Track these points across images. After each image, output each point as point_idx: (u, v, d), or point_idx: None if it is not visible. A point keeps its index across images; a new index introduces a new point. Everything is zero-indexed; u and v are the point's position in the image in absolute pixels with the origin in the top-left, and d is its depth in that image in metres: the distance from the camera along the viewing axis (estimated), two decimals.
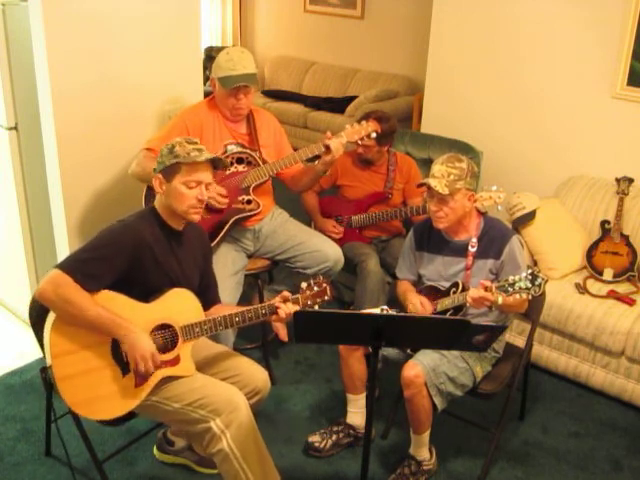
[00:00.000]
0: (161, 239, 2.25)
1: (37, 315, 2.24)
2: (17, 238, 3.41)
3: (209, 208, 2.87)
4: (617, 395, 3.16)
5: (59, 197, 3.14)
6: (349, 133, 2.91)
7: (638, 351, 3.01)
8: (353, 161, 3.52)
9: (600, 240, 3.43)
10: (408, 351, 2.60)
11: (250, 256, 3.13)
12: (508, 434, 2.92)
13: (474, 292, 2.37)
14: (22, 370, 3.21)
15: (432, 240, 2.67)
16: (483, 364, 2.59)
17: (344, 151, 3.49)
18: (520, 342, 3.11)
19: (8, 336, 3.52)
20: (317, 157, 2.93)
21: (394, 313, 2.23)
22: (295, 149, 3.04)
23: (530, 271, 2.30)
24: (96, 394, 2.15)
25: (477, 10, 4.10)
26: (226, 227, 2.93)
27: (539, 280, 2.28)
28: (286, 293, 2.31)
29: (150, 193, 2.90)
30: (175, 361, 2.22)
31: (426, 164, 3.74)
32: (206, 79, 4.82)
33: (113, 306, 2.12)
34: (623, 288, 3.28)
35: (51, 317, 2.12)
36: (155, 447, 2.72)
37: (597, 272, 3.37)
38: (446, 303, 2.52)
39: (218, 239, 2.92)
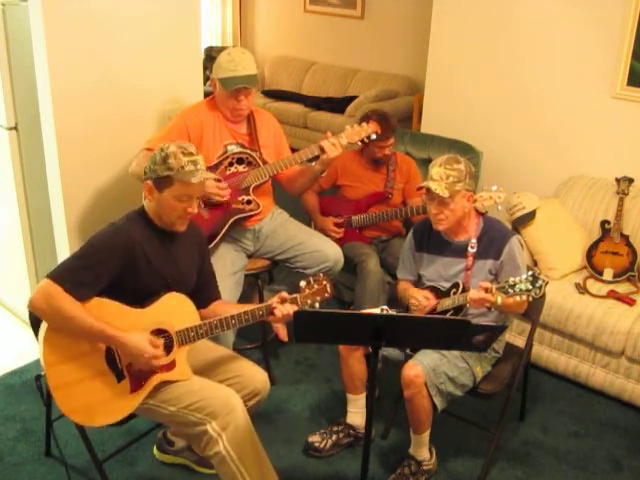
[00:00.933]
0: (153, 240, 2.23)
1: (37, 315, 2.23)
2: (17, 238, 3.41)
3: (210, 206, 2.87)
4: (617, 395, 3.16)
5: (59, 197, 3.13)
6: (349, 134, 2.91)
7: (638, 351, 3.01)
8: (356, 161, 3.52)
9: (600, 240, 3.43)
10: (408, 351, 2.60)
11: (250, 256, 3.13)
12: (508, 434, 2.92)
13: (474, 293, 2.37)
14: (22, 370, 3.21)
15: (432, 241, 2.67)
16: (483, 364, 2.59)
17: (345, 151, 3.50)
18: (520, 342, 3.11)
19: (8, 336, 3.52)
20: (317, 158, 2.93)
21: (394, 313, 2.24)
22: (294, 150, 3.04)
23: (531, 273, 2.30)
24: (92, 401, 2.15)
25: (477, 10, 4.10)
26: (226, 227, 2.93)
27: (540, 282, 2.27)
28: (284, 294, 2.29)
29: None
30: (171, 366, 2.22)
31: (426, 164, 3.73)
32: (206, 79, 4.82)
33: (107, 313, 2.11)
34: (623, 288, 3.28)
35: (44, 326, 2.12)
36: (155, 447, 2.73)
37: (597, 272, 3.37)
38: (446, 304, 2.52)
39: (218, 239, 2.92)
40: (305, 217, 3.54)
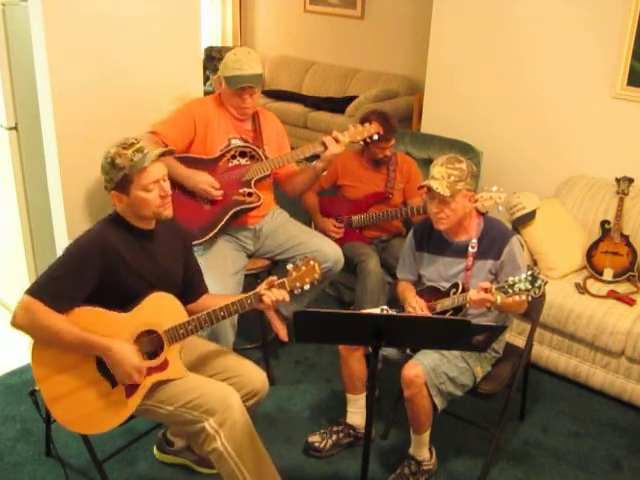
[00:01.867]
0: (130, 242, 2.20)
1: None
2: (17, 238, 3.41)
3: (208, 199, 2.89)
4: (617, 395, 3.16)
5: (59, 197, 3.13)
6: (352, 133, 2.94)
7: (638, 351, 3.01)
8: (356, 161, 3.51)
9: (600, 240, 3.43)
10: (407, 351, 2.60)
11: (250, 256, 3.13)
12: (508, 434, 2.92)
13: (473, 294, 2.37)
14: (22, 370, 3.21)
15: (432, 241, 2.67)
16: (483, 364, 2.59)
17: (346, 152, 3.50)
18: (520, 342, 3.11)
19: (8, 336, 3.52)
20: (317, 157, 2.94)
21: (394, 313, 2.24)
22: (293, 149, 3.05)
23: (530, 272, 2.30)
24: (88, 410, 2.15)
25: (477, 10, 4.10)
26: (226, 217, 2.92)
27: (539, 282, 2.27)
28: (271, 278, 2.26)
29: None
30: (163, 366, 2.21)
31: (426, 164, 3.73)
32: (206, 79, 4.83)
33: (91, 322, 2.10)
34: (623, 288, 3.28)
35: (31, 342, 2.11)
36: (155, 447, 2.73)
37: (597, 272, 3.37)
38: (446, 304, 2.52)
39: (217, 230, 2.92)
40: (305, 217, 3.54)
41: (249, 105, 2.95)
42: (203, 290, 2.47)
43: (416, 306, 2.54)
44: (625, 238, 3.40)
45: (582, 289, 3.26)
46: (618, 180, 3.52)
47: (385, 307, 2.59)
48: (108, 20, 3.06)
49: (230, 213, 2.93)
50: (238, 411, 2.19)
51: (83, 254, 2.11)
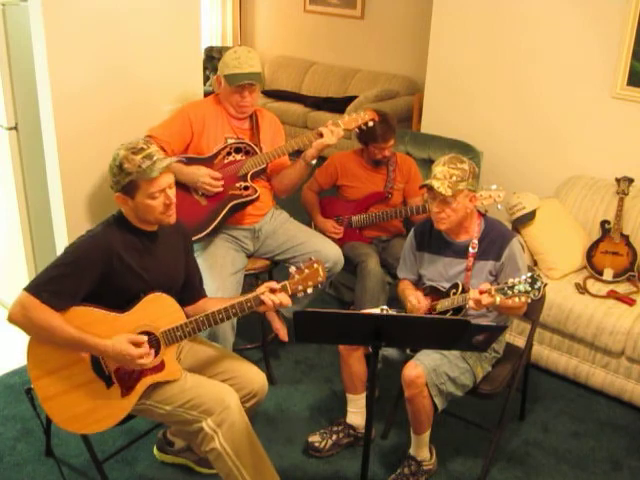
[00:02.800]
0: (132, 244, 2.20)
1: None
2: (17, 238, 3.41)
3: (206, 194, 2.88)
4: (617, 395, 3.16)
5: (59, 197, 3.13)
6: (347, 122, 2.94)
7: (638, 351, 3.01)
8: (356, 161, 3.51)
9: (600, 240, 3.43)
10: (407, 351, 2.60)
11: (250, 256, 3.13)
12: (508, 434, 2.92)
13: (474, 295, 2.37)
14: (22, 370, 3.20)
15: (433, 241, 2.67)
16: (483, 364, 2.59)
17: (346, 152, 3.50)
18: (520, 342, 3.11)
19: (8, 336, 3.52)
20: None
21: (394, 313, 2.24)
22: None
23: (530, 274, 2.30)
24: (83, 410, 2.15)
25: (477, 10, 4.10)
26: (223, 212, 2.91)
27: (538, 284, 2.27)
28: (272, 283, 2.24)
29: None
30: (160, 367, 2.20)
31: (426, 164, 3.74)
32: (206, 79, 4.83)
33: (88, 321, 2.09)
34: (623, 288, 3.28)
35: (27, 340, 2.11)
36: (155, 447, 2.73)
37: (597, 272, 3.37)
38: (446, 304, 2.52)
39: (214, 225, 2.91)
40: (305, 217, 3.54)
41: (248, 103, 2.95)
42: (202, 293, 2.48)
43: (414, 300, 2.54)
44: (625, 238, 3.40)
45: (582, 289, 3.26)
46: (618, 180, 3.52)
47: (385, 307, 2.59)
48: (108, 20, 3.06)
49: (227, 207, 2.92)
50: (236, 411, 2.19)
51: (84, 254, 2.11)
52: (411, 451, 2.64)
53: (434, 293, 2.61)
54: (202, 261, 2.83)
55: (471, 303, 2.37)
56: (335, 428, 2.82)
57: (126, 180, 2.11)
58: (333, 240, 3.25)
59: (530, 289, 2.27)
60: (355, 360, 2.68)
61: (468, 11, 4.14)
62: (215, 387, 2.24)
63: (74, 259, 2.10)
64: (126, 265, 2.16)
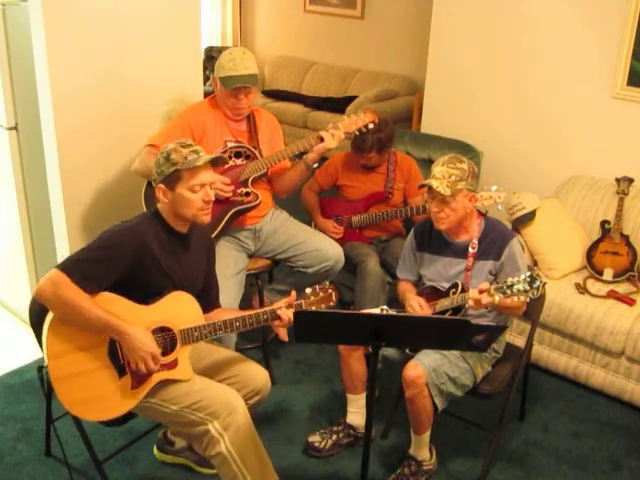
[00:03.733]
0: (164, 242, 2.24)
1: (37, 315, 2.23)
2: (17, 238, 3.41)
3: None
4: (617, 395, 3.16)
5: (59, 197, 3.14)
6: (346, 124, 2.92)
7: (638, 351, 3.01)
8: (356, 161, 3.51)
9: (600, 240, 3.43)
10: (407, 351, 2.60)
11: (251, 256, 3.13)
12: (508, 434, 2.92)
13: (473, 294, 2.37)
14: (22, 370, 3.21)
15: (433, 241, 2.67)
16: (483, 364, 2.59)
17: (346, 152, 3.49)
18: (520, 342, 3.11)
19: (8, 336, 3.52)
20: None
21: (394, 313, 2.24)
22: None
23: (529, 273, 2.30)
24: (92, 395, 2.15)
25: (477, 10, 4.10)
26: (225, 218, 2.92)
27: (537, 283, 2.27)
28: (290, 299, 2.29)
29: (150, 191, 2.90)
30: (173, 364, 2.21)
31: (426, 164, 3.73)
32: (206, 79, 4.83)
33: (112, 308, 2.11)
34: (623, 288, 3.28)
35: (49, 317, 2.12)
36: (155, 447, 2.73)
37: (597, 272, 3.37)
38: (445, 304, 2.52)
39: (217, 232, 2.92)
40: (305, 217, 3.54)
41: (244, 105, 2.93)
42: (217, 303, 2.50)
43: (415, 305, 2.54)
44: (625, 238, 3.40)
45: (582, 289, 3.26)
46: (618, 180, 3.52)
47: (385, 307, 2.59)
48: (108, 20, 3.06)
49: (229, 214, 2.93)
50: (242, 415, 2.19)
51: (118, 243, 2.13)
52: (411, 451, 2.64)
53: (434, 293, 2.61)
54: None
55: (470, 302, 2.38)
56: (335, 428, 2.82)
57: (170, 170, 2.16)
58: (333, 240, 3.26)
59: (529, 288, 2.28)
60: (355, 360, 2.68)
61: (468, 11, 4.14)
62: (222, 390, 2.25)
63: (109, 245, 2.13)
64: (156, 261, 2.19)
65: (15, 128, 3.20)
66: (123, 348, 2.14)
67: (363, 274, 3.28)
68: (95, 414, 2.19)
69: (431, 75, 4.43)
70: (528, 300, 2.34)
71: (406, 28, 6.40)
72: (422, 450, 2.62)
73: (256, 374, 2.38)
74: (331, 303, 2.33)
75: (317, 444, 2.77)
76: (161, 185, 2.20)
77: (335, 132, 2.88)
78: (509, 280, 2.32)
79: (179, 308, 2.24)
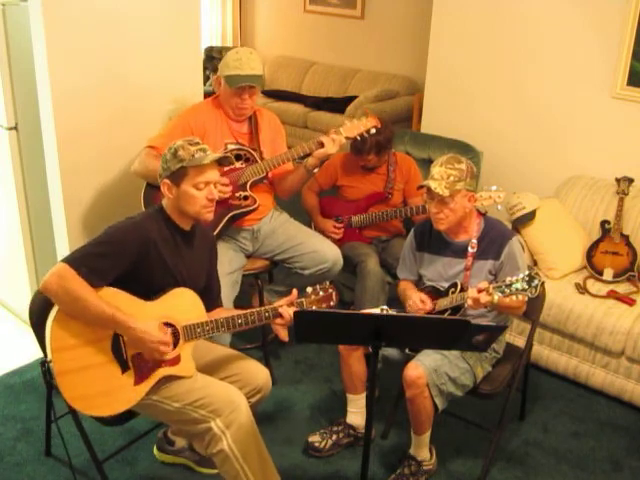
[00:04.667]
0: (168, 239, 2.25)
1: (37, 315, 2.24)
2: (17, 238, 3.41)
3: None
4: (617, 395, 3.16)
5: (59, 197, 3.14)
6: (348, 129, 2.90)
7: (638, 351, 3.01)
8: (356, 162, 3.51)
9: (600, 240, 3.43)
10: (406, 351, 2.60)
11: (249, 256, 3.13)
12: (508, 434, 2.92)
13: (472, 293, 2.37)
14: (22, 370, 3.21)
15: (433, 241, 2.67)
16: (483, 364, 2.59)
17: (346, 152, 3.49)
18: (520, 342, 3.11)
19: (8, 336, 3.52)
20: (309, 155, 2.93)
21: (394, 313, 2.24)
22: (290, 148, 3.04)
23: (527, 272, 2.30)
24: (95, 390, 2.15)
25: (477, 10, 4.10)
26: (222, 222, 2.92)
27: (536, 281, 2.28)
28: (291, 297, 2.30)
29: (149, 192, 2.90)
30: (175, 360, 2.22)
31: (426, 164, 3.73)
32: (206, 79, 4.83)
33: (115, 303, 2.12)
34: (623, 288, 3.28)
35: (54, 311, 2.12)
36: (155, 447, 2.72)
37: (597, 272, 3.37)
38: (444, 303, 2.53)
39: (214, 234, 2.91)
40: (305, 217, 3.54)
41: (247, 106, 2.92)
42: (218, 302, 2.50)
43: (417, 299, 2.54)
44: (625, 238, 3.40)
45: (582, 289, 3.26)
46: (618, 180, 3.52)
47: (385, 307, 2.59)
48: (108, 20, 3.07)
49: (227, 217, 2.92)
50: (245, 413, 2.20)
51: (122, 239, 2.15)
52: (411, 451, 2.64)
53: (434, 293, 2.61)
54: None
55: (469, 301, 2.38)
56: (335, 428, 2.82)
57: (177, 166, 2.18)
58: (333, 240, 3.25)
59: (527, 287, 2.28)
60: (355, 360, 2.68)
61: (468, 11, 4.14)
62: (224, 388, 2.25)
63: (114, 240, 2.14)
64: (160, 257, 2.20)
65: (15, 128, 3.20)
66: (130, 342, 2.14)
67: (363, 274, 3.29)
68: (97, 409, 2.18)
69: (431, 75, 4.43)
70: (527, 299, 2.34)
71: (406, 28, 6.40)
72: (422, 450, 2.62)
73: (257, 373, 2.39)
74: (331, 302, 2.35)
75: (317, 444, 2.77)
76: (166, 180, 2.22)
77: (336, 137, 2.85)
78: (508, 279, 2.32)
79: (182, 304, 2.25)
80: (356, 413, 2.78)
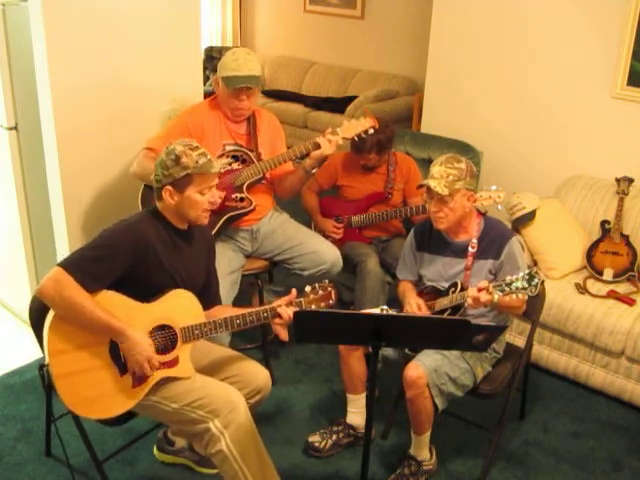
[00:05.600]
0: (165, 239, 2.24)
1: (37, 315, 2.23)
2: (17, 238, 3.41)
3: None
4: (617, 395, 3.16)
5: (59, 197, 3.14)
6: (345, 129, 2.89)
7: (638, 351, 3.01)
8: (356, 161, 3.51)
9: (600, 240, 3.43)
10: (407, 351, 2.60)
11: (248, 256, 3.13)
12: (508, 434, 2.92)
13: (472, 293, 2.37)
14: (22, 370, 3.21)
15: (433, 241, 2.67)
16: (483, 364, 2.59)
17: (346, 152, 3.48)
18: (520, 342, 3.11)
19: (8, 336, 3.52)
20: (308, 155, 2.93)
21: (394, 313, 2.24)
22: (289, 148, 3.03)
23: (527, 271, 2.30)
24: (93, 393, 2.15)
25: (477, 10, 4.10)
26: (219, 224, 2.92)
27: (536, 280, 2.28)
28: (290, 297, 2.30)
29: (147, 193, 2.90)
30: (174, 362, 2.22)
31: (426, 164, 3.73)
32: (206, 79, 4.83)
33: (113, 306, 2.12)
34: (623, 288, 3.28)
35: (50, 315, 2.12)
36: (155, 447, 2.73)
37: (597, 272, 3.37)
38: (444, 303, 2.53)
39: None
40: (305, 218, 3.54)
41: (245, 107, 2.91)
42: (216, 301, 2.50)
43: (414, 306, 2.54)
44: (625, 238, 3.40)
45: (582, 289, 3.26)
46: (618, 180, 3.52)
47: (385, 307, 2.59)
48: (108, 20, 3.07)
49: (223, 219, 2.92)
50: (243, 413, 2.20)
51: (119, 242, 2.14)
52: (411, 451, 2.64)
53: (434, 293, 2.61)
54: None
55: (469, 301, 2.38)
56: (335, 428, 2.82)
57: (182, 174, 2.16)
58: (333, 240, 3.25)
59: (527, 285, 2.28)
60: (355, 360, 2.68)
61: (468, 11, 4.14)
62: (223, 388, 2.25)
63: (109, 243, 2.13)
64: (157, 258, 2.20)
65: (15, 128, 3.20)
66: (121, 350, 2.14)
67: (363, 274, 3.28)
68: (96, 412, 2.19)
69: (431, 75, 4.43)
70: (527, 298, 2.34)
71: (406, 28, 6.40)
72: (422, 450, 2.62)
73: (257, 373, 2.38)
74: (330, 301, 2.34)
75: (317, 444, 2.77)
76: (169, 187, 2.19)
77: (332, 138, 2.84)
78: (507, 278, 2.32)
79: (180, 306, 2.24)
80: (356, 413, 2.78)
